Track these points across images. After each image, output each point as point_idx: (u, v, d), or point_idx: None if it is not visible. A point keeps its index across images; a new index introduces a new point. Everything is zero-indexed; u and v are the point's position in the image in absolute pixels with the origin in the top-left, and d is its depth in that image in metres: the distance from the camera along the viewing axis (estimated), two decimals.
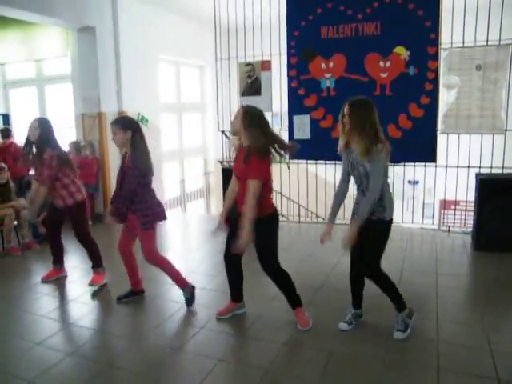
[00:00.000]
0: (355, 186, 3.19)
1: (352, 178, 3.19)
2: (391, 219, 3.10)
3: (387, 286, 3.19)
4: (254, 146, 3.04)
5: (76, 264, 4.94)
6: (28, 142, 4.22)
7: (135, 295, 4.00)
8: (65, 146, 5.06)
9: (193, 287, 3.83)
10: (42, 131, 4.12)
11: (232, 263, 3.44)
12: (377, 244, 3.11)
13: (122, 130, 3.53)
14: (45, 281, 4.48)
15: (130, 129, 3.54)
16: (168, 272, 3.80)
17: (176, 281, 3.82)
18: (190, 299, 3.79)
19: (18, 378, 2.84)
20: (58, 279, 4.54)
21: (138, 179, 3.52)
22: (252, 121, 3.07)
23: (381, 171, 2.96)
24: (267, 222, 3.20)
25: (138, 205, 3.59)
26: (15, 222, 5.53)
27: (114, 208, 3.69)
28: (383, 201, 3.03)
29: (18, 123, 8.25)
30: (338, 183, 3.27)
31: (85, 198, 4.36)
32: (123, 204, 3.59)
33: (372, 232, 3.06)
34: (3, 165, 5.72)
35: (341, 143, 3.15)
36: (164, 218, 3.77)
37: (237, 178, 3.24)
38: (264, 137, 3.07)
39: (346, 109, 3.03)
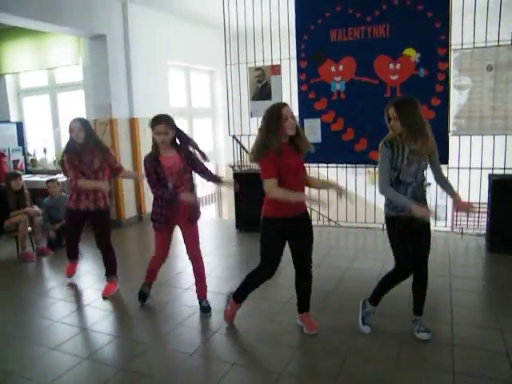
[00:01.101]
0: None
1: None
2: (392, 216, 3.08)
3: (427, 284, 3.21)
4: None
5: (89, 269, 4.99)
6: (72, 145, 4.11)
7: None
8: None
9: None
10: (88, 131, 4.12)
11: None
12: (429, 241, 3.15)
13: (172, 129, 3.55)
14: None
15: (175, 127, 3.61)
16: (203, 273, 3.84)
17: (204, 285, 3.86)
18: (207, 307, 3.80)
19: (34, 382, 2.87)
20: (68, 285, 4.58)
21: None
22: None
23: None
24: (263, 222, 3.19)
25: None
26: (29, 228, 5.59)
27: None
28: (425, 194, 3.13)
29: (31, 130, 8.36)
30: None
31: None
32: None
33: (427, 230, 3.15)
34: (19, 171, 5.80)
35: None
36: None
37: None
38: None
39: (391, 110, 3.00)
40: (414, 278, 3.19)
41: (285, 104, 3.07)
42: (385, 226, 3.20)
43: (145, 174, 3.57)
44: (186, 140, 3.67)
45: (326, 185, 3.42)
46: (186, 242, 3.74)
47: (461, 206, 3.20)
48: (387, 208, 3.10)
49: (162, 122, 3.48)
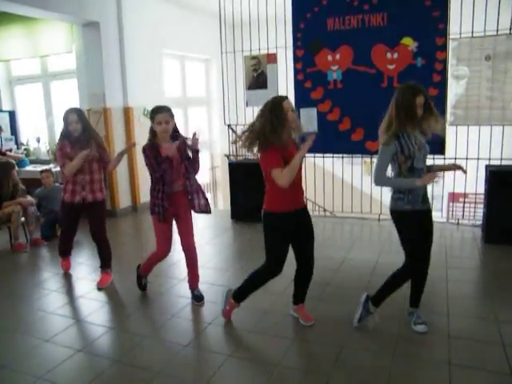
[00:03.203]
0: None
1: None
2: (407, 211, 3.02)
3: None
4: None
5: (83, 260, 4.95)
6: (66, 135, 4.03)
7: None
8: None
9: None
10: (84, 123, 4.05)
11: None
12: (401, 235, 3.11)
13: (172, 119, 3.55)
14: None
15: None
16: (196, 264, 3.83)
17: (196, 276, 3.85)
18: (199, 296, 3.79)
19: (27, 374, 2.84)
20: (61, 275, 4.54)
21: None
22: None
23: None
24: (265, 218, 3.14)
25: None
26: (22, 219, 5.53)
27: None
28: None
29: (23, 119, 8.25)
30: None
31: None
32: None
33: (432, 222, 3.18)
34: (14, 162, 5.74)
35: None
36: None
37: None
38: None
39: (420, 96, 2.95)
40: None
41: (286, 97, 3.04)
42: (381, 218, 3.17)
43: (145, 163, 3.53)
44: (178, 134, 3.67)
45: None
46: (180, 233, 3.71)
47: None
48: (402, 202, 2.99)
49: (164, 111, 3.47)
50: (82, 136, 4.01)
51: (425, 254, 3.11)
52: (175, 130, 3.62)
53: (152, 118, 3.47)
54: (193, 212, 3.72)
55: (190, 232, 3.73)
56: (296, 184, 3.04)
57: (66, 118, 3.99)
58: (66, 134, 4.04)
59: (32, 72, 7.98)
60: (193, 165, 3.63)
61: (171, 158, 3.47)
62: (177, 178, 3.58)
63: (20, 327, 3.48)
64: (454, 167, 3.20)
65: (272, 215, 3.08)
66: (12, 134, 7.88)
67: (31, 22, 7.04)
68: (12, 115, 7.99)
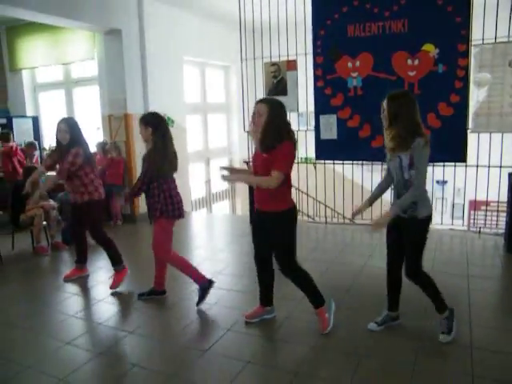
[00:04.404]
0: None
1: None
2: (426, 218, 3.00)
3: (428, 285, 3.12)
4: None
5: (103, 265, 4.99)
6: (59, 146, 4.27)
7: (157, 295, 4.03)
8: (92, 147, 5.12)
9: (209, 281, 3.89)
10: (72, 133, 4.20)
11: (264, 266, 3.39)
12: (412, 243, 3.04)
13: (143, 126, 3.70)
14: (67, 280, 4.54)
15: (152, 126, 3.68)
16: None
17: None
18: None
19: (50, 376, 2.88)
20: (80, 279, 4.60)
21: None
22: None
23: (424, 166, 2.90)
24: (282, 217, 3.16)
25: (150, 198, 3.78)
26: (44, 223, 5.62)
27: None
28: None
29: (46, 125, 8.41)
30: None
31: (102, 197, 4.42)
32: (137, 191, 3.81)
33: (406, 231, 3.02)
34: (36, 165, 5.84)
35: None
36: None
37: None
38: None
39: (384, 103, 2.97)
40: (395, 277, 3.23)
41: (258, 100, 3.18)
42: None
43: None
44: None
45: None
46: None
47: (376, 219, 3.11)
48: (428, 208, 3.01)
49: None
50: (68, 146, 4.20)
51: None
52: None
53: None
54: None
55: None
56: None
57: (57, 127, 4.26)
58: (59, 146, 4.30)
59: (55, 79, 8.15)
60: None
61: None
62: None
63: (42, 329, 3.53)
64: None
65: (290, 210, 3.16)
66: (35, 139, 8.04)
67: (55, 30, 7.20)
68: (35, 121, 8.15)
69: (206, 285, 3.84)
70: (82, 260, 4.67)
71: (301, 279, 3.29)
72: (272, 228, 3.17)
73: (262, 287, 3.48)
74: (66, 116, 4.37)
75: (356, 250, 5.37)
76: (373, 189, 3.38)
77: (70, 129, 4.20)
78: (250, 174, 3.33)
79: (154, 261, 3.98)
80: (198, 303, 3.80)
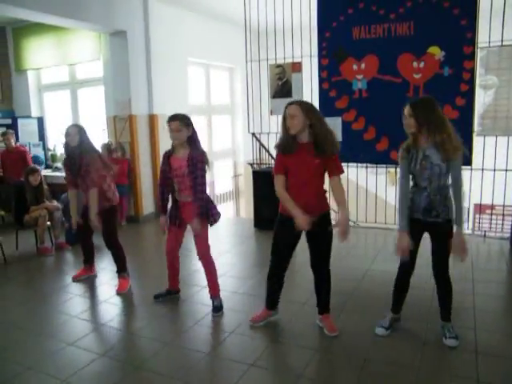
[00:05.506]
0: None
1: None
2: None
3: (451, 290, 3.13)
4: None
5: (106, 266, 4.99)
6: (68, 148, 4.24)
7: (172, 294, 4.04)
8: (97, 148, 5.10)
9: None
10: (82, 136, 4.18)
11: (280, 273, 3.38)
12: (448, 244, 3.03)
13: (186, 128, 3.54)
14: (75, 280, 4.56)
15: (192, 126, 3.61)
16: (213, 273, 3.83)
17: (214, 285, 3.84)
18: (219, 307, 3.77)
19: (52, 377, 2.87)
20: (88, 279, 4.60)
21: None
22: None
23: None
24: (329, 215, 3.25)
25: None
26: (48, 223, 5.63)
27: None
28: (446, 200, 2.99)
29: (51, 125, 8.43)
30: (399, 184, 3.10)
31: (118, 202, 4.41)
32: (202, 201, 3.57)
33: (441, 234, 3.04)
34: (37, 167, 5.84)
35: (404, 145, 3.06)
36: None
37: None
38: None
39: (406, 110, 3.00)
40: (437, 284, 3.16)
41: (289, 104, 3.09)
42: None
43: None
44: (196, 145, 3.63)
45: (338, 206, 3.26)
46: (195, 241, 3.76)
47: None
48: (450, 210, 3.00)
49: (176, 119, 3.51)
50: (76, 148, 4.17)
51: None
52: (192, 139, 3.60)
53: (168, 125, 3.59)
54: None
55: (198, 240, 3.72)
56: (303, 190, 3.16)
57: (66, 131, 4.22)
58: (65, 148, 4.28)
59: (60, 79, 8.16)
60: (195, 187, 3.58)
61: (175, 169, 3.58)
62: (184, 189, 3.63)
63: (45, 330, 3.53)
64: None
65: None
66: (40, 139, 8.06)
67: (61, 31, 7.21)
68: (40, 121, 8.17)
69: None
70: (89, 261, 4.67)
71: (329, 283, 3.33)
72: (326, 228, 3.23)
73: (272, 291, 3.45)
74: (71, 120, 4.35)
75: (359, 254, 5.34)
76: (377, 191, 3.37)
77: (80, 132, 4.17)
78: (298, 208, 3.05)
79: (170, 263, 3.91)
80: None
